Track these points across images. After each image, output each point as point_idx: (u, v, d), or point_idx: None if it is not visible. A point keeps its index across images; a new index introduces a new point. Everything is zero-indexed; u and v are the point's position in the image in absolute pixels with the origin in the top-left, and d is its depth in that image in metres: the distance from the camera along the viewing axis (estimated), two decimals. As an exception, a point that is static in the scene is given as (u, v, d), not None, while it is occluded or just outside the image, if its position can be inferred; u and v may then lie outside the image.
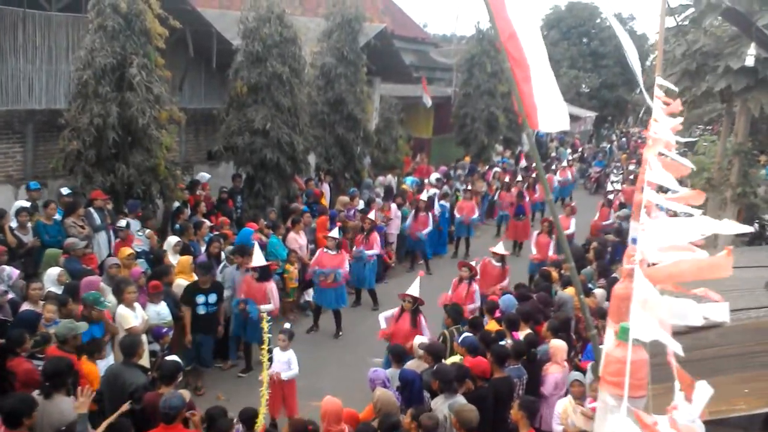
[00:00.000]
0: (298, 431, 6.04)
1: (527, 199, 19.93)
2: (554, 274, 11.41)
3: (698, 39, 13.61)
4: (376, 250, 13.80)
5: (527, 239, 17.14)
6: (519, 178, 21.79)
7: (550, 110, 3.99)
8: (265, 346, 7.38)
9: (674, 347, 2.49)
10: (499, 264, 12.28)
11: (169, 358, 7.32)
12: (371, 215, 14.20)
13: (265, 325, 7.57)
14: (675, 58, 14.24)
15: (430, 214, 16.35)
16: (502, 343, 8.12)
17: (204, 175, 14.97)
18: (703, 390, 2.54)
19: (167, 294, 9.48)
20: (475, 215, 18.10)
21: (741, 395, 5.41)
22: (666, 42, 13.74)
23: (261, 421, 6.54)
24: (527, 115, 3.95)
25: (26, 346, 6.99)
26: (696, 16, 13.58)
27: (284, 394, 8.62)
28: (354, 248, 13.61)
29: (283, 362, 8.55)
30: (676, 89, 13.01)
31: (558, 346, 8.13)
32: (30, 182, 11.15)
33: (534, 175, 22.50)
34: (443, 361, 7.68)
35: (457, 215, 17.81)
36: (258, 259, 10.26)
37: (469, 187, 19.31)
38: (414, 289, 9.50)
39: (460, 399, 6.73)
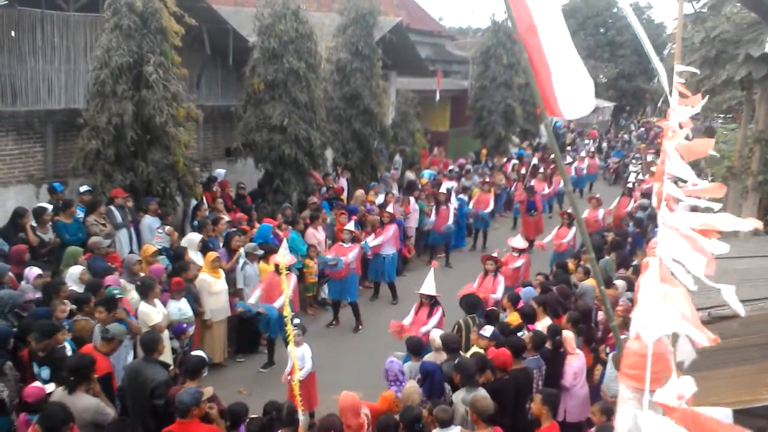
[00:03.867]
0: (329, 427, 6.05)
1: (545, 191, 19.94)
2: (571, 265, 11.37)
3: (717, 26, 13.44)
4: (379, 240, 13.48)
5: (541, 234, 16.92)
6: (540, 170, 21.65)
7: (573, 96, 3.94)
8: (291, 339, 7.34)
9: (699, 338, 2.47)
10: (517, 256, 12.24)
11: (194, 353, 7.38)
12: (389, 209, 14.18)
13: (288, 311, 7.45)
14: (694, 45, 14.08)
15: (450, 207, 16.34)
16: (520, 334, 8.13)
17: (220, 172, 15.05)
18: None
19: (188, 290, 9.57)
20: (489, 209, 17.91)
21: (765, 385, 5.37)
22: (684, 29, 13.59)
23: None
24: (546, 104, 3.92)
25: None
26: (714, 3, 13.43)
27: (305, 389, 8.65)
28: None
29: (297, 358, 8.54)
30: (698, 72, 12.84)
31: (565, 335, 8.11)
32: (54, 183, 11.27)
33: (551, 166, 22.42)
34: (461, 353, 7.69)
35: (471, 207, 17.76)
36: (283, 256, 10.29)
37: (487, 180, 19.24)
38: (428, 288, 9.50)
39: (480, 392, 6.73)
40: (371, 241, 13.37)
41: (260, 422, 6.28)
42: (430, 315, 9.36)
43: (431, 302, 9.44)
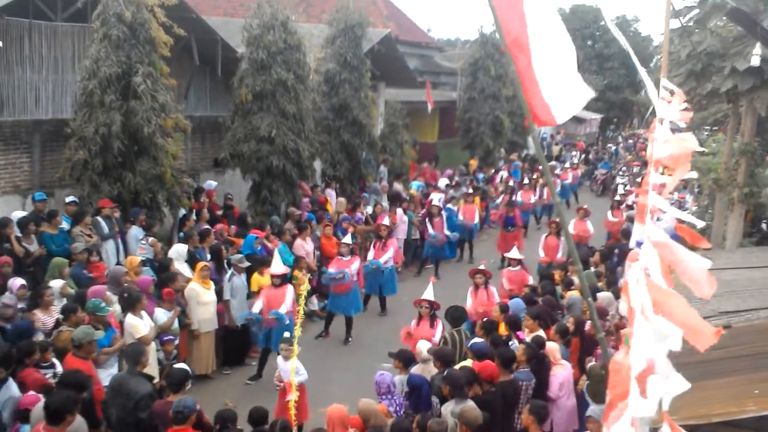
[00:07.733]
0: None
1: (531, 200, 20.11)
2: (557, 276, 11.38)
3: (703, 40, 13.52)
4: (391, 253, 13.66)
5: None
6: (525, 180, 21.75)
7: (563, 99, 3.88)
8: (294, 356, 7.34)
9: (699, 341, 2.48)
10: (517, 268, 12.23)
11: (178, 365, 7.32)
12: (385, 221, 14.16)
13: (299, 330, 7.43)
14: (680, 59, 14.16)
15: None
16: (510, 344, 8.10)
17: (211, 183, 15.03)
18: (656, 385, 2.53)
19: (176, 302, 9.51)
20: (476, 220, 17.98)
21: (751, 396, 5.37)
22: (671, 43, 13.68)
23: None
24: (534, 115, 3.89)
25: (35, 357, 7.04)
26: (701, 17, 13.50)
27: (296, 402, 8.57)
28: (369, 258, 13.65)
29: (284, 370, 8.44)
30: (683, 85, 12.93)
31: (550, 346, 8.09)
32: (35, 193, 11.19)
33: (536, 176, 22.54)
34: (453, 365, 7.66)
35: (461, 218, 17.76)
36: (277, 266, 10.28)
37: (471, 191, 19.29)
38: (429, 294, 9.51)
39: (469, 404, 6.70)
40: (381, 258, 13.40)
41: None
42: (432, 327, 9.28)
43: (431, 312, 9.39)
